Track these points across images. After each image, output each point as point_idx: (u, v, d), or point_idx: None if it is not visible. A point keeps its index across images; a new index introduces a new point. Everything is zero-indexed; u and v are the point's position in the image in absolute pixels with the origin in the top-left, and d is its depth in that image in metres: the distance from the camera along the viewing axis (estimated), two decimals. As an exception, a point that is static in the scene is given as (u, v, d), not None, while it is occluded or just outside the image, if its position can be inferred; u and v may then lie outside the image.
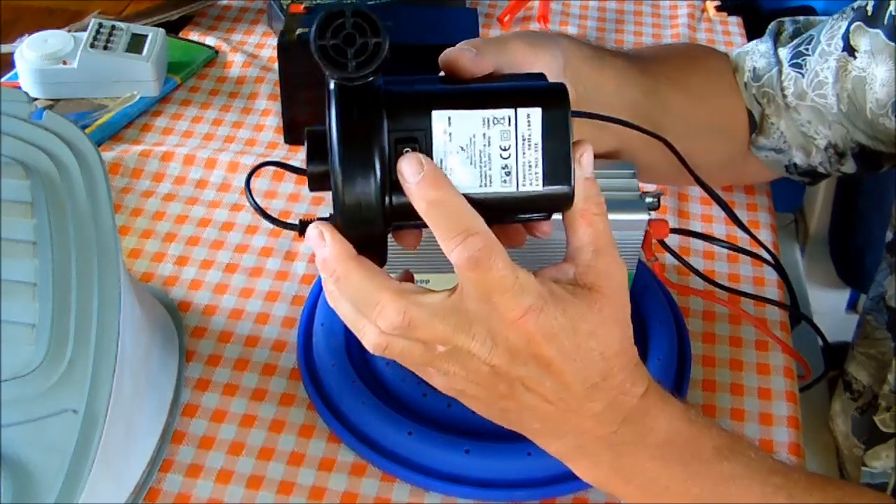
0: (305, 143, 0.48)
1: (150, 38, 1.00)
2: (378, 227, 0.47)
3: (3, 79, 1.01)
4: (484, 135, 0.46)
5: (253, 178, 0.90)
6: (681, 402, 0.53)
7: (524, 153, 0.47)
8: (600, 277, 0.48)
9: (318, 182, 0.48)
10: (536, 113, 0.46)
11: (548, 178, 0.47)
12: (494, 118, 0.46)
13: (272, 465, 0.66)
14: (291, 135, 0.95)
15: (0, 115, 0.62)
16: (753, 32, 1.20)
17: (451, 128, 0.46)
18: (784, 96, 0.72)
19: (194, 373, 0.72)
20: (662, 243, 0.73)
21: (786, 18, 0.78)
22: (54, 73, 0.97)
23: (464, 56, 0.51)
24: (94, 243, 0.60)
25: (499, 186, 0.47)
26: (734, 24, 1.18)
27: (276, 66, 0.96)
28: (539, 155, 0.47)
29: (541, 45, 0.61)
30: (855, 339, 0.82)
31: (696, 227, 0.87)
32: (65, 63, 0.97)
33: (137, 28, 1.01)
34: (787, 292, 0.80)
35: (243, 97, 1.02)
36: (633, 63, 0.69)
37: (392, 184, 0.46)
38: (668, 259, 0.80)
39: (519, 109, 0.46)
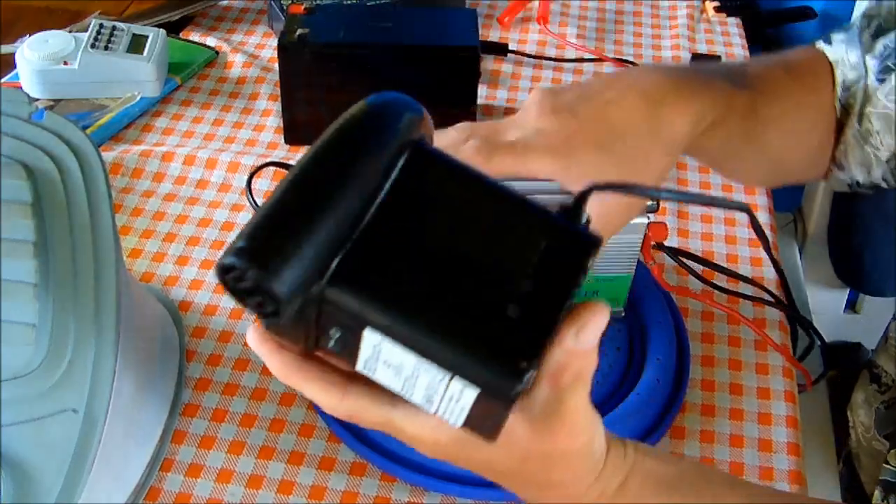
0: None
1: (150, 38, 1.00)
2: (305, 354, 0.43)
3: (4, 79, 1.01)
4: (413, 372, 0.39)
5: (254, 179, 0.90)
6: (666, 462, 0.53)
7: (451, 402, 0.40)
8: (534, 435, 0.45)
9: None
10: (471, 391, 0.38)
11: (468, 425, 0.41)
12: (427, 370, 0.38)
13: (272, 465, 0.66)
14: (292, 135, 0.96)
15: (0, 115, 0.62)
16: (753, 33, 1.20)
17: (380, 347, 0.39)
18: (862, 105, 0.70)
19: (195, 373, 0.72)
20: (661, 246, 0.73)
21: (871, 8, 0.74)
22: (55, 74, 0.97)
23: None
24: (95, 243, 0.60)
25: (418, 401, 0.41)
26: (733, 24, 1.18)
27: (276, 66, 0.96)
28: (464, 415, 0.40)
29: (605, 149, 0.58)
30: (889, 331, 0.81)
31: (696, 227, 0.87)
32: (66, 63, 0.97)
33: (138, 28, 1.01)
34: (786, 292, 0.80)
35: (244, 97, 1.02)
36: (739, 121, 0.66)
37: (315, 344, 0.41)
38: (668, 259, 0.80)
39: (455, 379, 0.38)
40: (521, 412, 0.44)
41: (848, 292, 1.43)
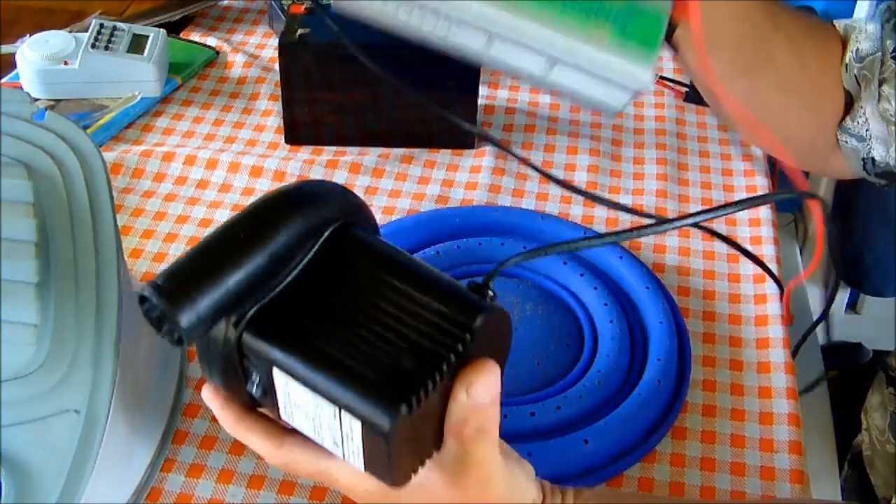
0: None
1: (151, 38, 1.00)
2: (249, 404, 0.49)
3: (5, 79, 1.01)
4: (314, 409, 0.44)
5: (254, 179, 0.90)
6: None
7: (348, 441, 0.44)
8: (447, 487, 0.48)
9: None
10: (356, 424, 0.43)
11: (369, 469, 0.45)
12: (322, 405, 0.43)
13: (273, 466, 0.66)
14: (292, 135, 0.96)
15: (1, 116, 0.62)
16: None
17: (288, 387, 0.45)
18: (880, 84, 0.69)
19: (196, 373, 0.72)
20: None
21: (892, 6, 0.72)
22: (56, 74, 0.97)
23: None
24: (96, 243, 0.60)
25: (330, 447, 0.46)
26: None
27: (276, 66, 0.96)
28: (360, 451, 0.44)
29: None
30: None
31: (696, 233, 0.87)
32: (66, 63, 0.97)
33: (138, 28, 1.01)
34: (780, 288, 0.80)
35: (244, 97, 1.02)
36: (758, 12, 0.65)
37: (248, 393, 0.47)
38: (668, 259, 0.80)
39: (342, 411, 0.43)
40: (435, 465, 0.47)
41: (848, 292, 1.43)
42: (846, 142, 0.72)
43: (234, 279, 0.43)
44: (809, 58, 0.71)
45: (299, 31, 0.90)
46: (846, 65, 0.70)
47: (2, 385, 0.55)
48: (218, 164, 0.92)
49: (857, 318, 1.47)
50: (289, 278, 0.46)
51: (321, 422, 0.45)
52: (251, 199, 0.88)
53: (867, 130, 0.70)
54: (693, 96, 1.01)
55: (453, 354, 0.43)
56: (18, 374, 0.55)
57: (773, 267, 0.82)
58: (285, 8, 1.05)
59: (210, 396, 0.50)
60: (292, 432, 0.50)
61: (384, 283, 0.46)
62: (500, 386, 0.46)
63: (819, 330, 0.81)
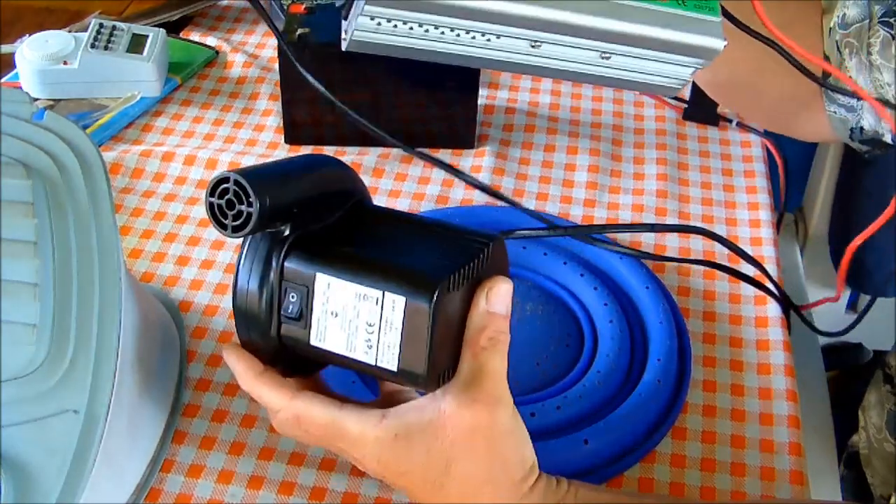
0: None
1: (150, 38, 1.00)
2: (273, 353, 0.53)
3: (4, 79, 1.01)
4: (355, 307, 0.49)
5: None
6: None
7: (385, 333, 0.49)
8: (459, 409, 0.50)
9: None
10: (400, 301, 0.48)
11: (402, 362, 0.49)
12: (366, 295, 0.49)
13: (273, 466, 0.66)
14: (292, 135, 0.96)
15: (0, 115, 0.62)
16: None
17: (329, 291, 0.50)
18: (869, 53, 0.68)
19: (195, 373, 0.72)
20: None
21: None
22: (55, 74, 0.97)
23: None
24: (95, 243, 0.60)
25: (361, 355, 0.50)
26: (734, 24, 1.18)
27: (276, 66, 0.96)
28: (398, 339, 0.49)
29: None
30: None
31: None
32: (66, 63, 0.97)
33: (138, 28, 1.01)
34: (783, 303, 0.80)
35: (244, 97, 1.02)
36: None
37: (279, 322, 0.52)
38: (668, 273, 0.80)
39: (386, 293, 0.49)
40: (448, 390, 0.50)
41: (849, 293, 1.43)
42: (834, 112, 0.71)
43: (294, 190, 0.51)
44: (787, 19, 0.69)
45: (299, 31, 0.90)
46: (830, 28, 0.69)
47: (2, 385, 0.55)
48: (218, 164, 0.92)
49: (855, 318, 1.47)
50: (325, 222, 0.53)
51: (358, 323, 0.49)
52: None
53: (858, 100, 0.69)
54: (692, 114, 1.01)
55: (476, 258, 0.50)
56: (18, 374, 0.55)
57: (772, 268, 0.83)
58: (285, 8, 1.05)
59: (231, 352, 0.54)
60: (304, 389, 0.53)
61: (406, 224, 0.54)
62: (511, 302, 0.52)
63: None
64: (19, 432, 0.55)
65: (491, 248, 0.51)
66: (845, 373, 1.40)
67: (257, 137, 0.97)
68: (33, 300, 0.56)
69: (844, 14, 0.69)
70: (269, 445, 0.67)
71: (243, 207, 0.48)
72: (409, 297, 0.48)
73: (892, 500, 0.68)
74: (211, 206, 0.49)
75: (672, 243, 0.84)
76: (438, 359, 0.49)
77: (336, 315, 0.50)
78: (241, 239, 0.52)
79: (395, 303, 0.48)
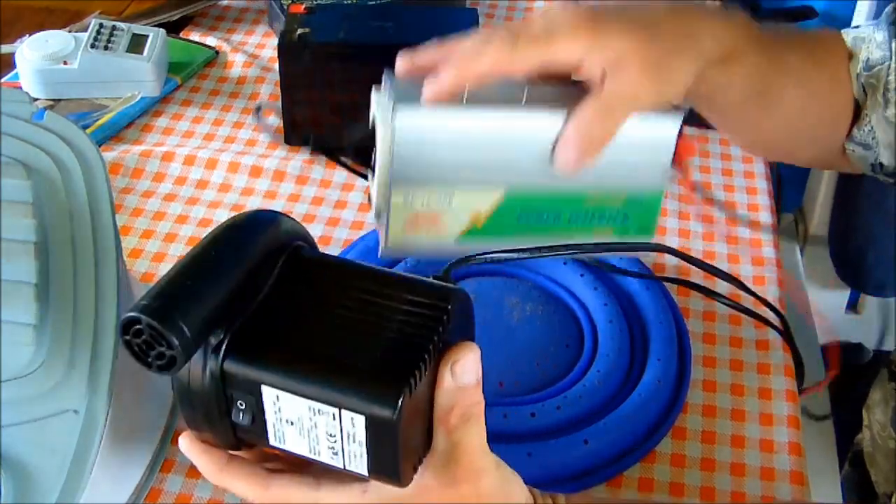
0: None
1: (150, 38, 1.00)
2: (231, 446, 0.49)
3: (4, 79, 1.01)
4: (310, 418, 0.45)
5: (254, 179, 0.90)
6: None
7: (349, 444, 0.45)
8: (441, 487, 0.48)
9: None
10: (360, 418, 0.43)
11: (373, 470, 0.45)
12: (320, 410, 0.44)
13: (273, 466, 0.66)
14: (292, 135, 0.96)
15: (1, 115, 0.62)
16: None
17: (279, 402, 0.45)
18: (886, 90, 0.69)
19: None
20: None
21: None
22: (55, 74, 0.97)
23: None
24: (95, 243, 0.60)
25: (327, 460, 0.46)
26: (734, 24, 1.18)
27: (276, 66, 0.96)
28: (363, 450, 0.44)
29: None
30: None
31: (697, 227, 0.87)
32: (66, 63, 0.97)
33: (138, 28, 1.01)
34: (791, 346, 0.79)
35: (244, 97, 1.02)
36: (760, 59, 0.65)
37: (232, 426, 0.47)
38: (668, 259, 0.80)
39: (343, 410, 0.43)
40: (427, 468, 0.47)
41: (849, 292, 1.43)
42: (853, 150, 0.72)
43: (214, 296, 0.44)
44: (818, 90, 0.71)
45: (299, 31, 0.90)
46: (857, 74, 0.70)
47: (1, 385, 0.55)
48: (217, 164, 0.92)
49: (857, 318, 1.47)
50: (257, 300, 0.46)
51: (317, 433, 0.45)
52: (251, 200, 0.89)
53: (873, 138, 0.71)
54: (691, 119, 1.00)
55: (436, 335, 0.44)
56: (18, 374, 0.55)
57: (772, 269, 0.83)
58: (285, 7, 1.05)
59: (189, 445, 0.50)
60: (277, 472, 0.50)
61: (351, 287, 0.47)
62: (481, 368, 0.47)
63: (819, 330, 0.81)
64: (19, 432, 0.55)
65: (451, 311, 0.45)
66: (846, 372, 1.40)
67: (257, 137, 0.97)
68: (33, 300, 0.56)
69: (868, 58, 0.70)
70: (268, 445, 0.67)
71: (164, 350, 0.42)
72: (368, 412, 0.43)
73: (894, 498, 0.68)
74: (128, 346, 0.43)
75: (672, 243, 0.84)
76: (410, 454, 0.46)
77: (292, 423, 0.45)
78: None
79: (355, 419, 0.43)
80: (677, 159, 0.63)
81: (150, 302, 0.43)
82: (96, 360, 0.57)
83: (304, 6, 0.94)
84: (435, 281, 0.47)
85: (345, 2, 1.04)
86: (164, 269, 0.81)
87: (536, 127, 0.57)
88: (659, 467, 0.67)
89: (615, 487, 0.66)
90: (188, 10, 1.12)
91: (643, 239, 0.65)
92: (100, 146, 0.76)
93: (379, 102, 0.59)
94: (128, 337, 0.43)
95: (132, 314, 0.42)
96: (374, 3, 1.04)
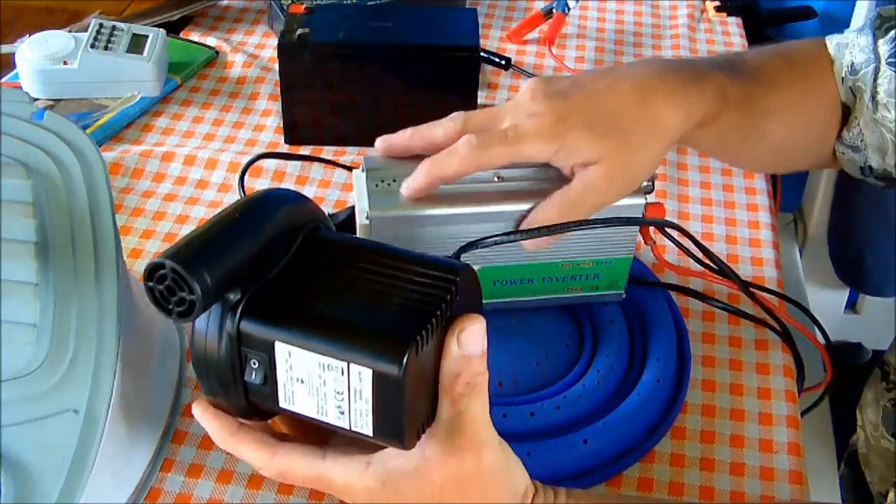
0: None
1: (150, 38, 1.00)
2: (244, 412, 0.51)
3: (4, 79, 1.01)
4: (320, 375, 0.47)
5: (254, 179, 0.90)
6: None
7: (356, 401, 0.46)
8: (444, 456, 0.49)
9: None
10: (367, 372, 0.45)
11: (378, 430, 0.47)
12: (329, 365, 0.46)
13: (272, 465, 0.66)
14: (292, 135, 0.96)
15: (1, 115, 0.62)
16: (753, 33, 1.20)
17: (291, 360, 0.47)
18: (875, 93, 0.69)
19: (195, 373, 0.72)
20: (661, 229, 0.72)
21: (885, 9, 0.73)
22: (55, 74, 0.97)
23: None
24: (95, 243, 0.60)
25: (334, 420, 0.48)
26: (734, 24, 1.18)
27: (276, 66, 0.96)
28: (369, 407, 0.46)
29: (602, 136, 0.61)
30: None
31: (696, 227, 0.87)
32: (66, 63, 0.97)
33: (138, 28, 1.01)
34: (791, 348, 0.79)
35: (244, 97, 1.02)
36: (737, 114, 0.67)
37: (244, 387, 0.49)
38: (668, 259, 0.80)
39: (351, 364, 0.45)
40: (430, 438, 0.49)
41: (848, 292, 1.43)
42: (843, 153, 0.73)
43: (235, 254, 0.47)
44: (804, 117, 0.72)
45: (299, 31, 0.90)
46: (842, 79, 0.71)
47: (2, 385, 0.55)
48: (217, 164, 0.92)
49: (857, 318, 1.47)
50: (276, 269, 0.49)
51: (326, 391, 0.47)
52: (251, 199, 0.89)
53: (861, 141, 0.71)
54: None
55: (444, 303, 0.47)
56: (18, 374, 0.55)
57: (773, 270, 0.83)
58: (285, 8, 1.05)
59: (202, 411, 0.52)
60: (284, 441, 0.52)
61: (365, 261, 0.49)
62: (486, 340, 0.49)
63: (819, 330, 0.81)
64: (19, 432, 0.55)
65: (459, 284, 0.48)
66: (845, 373, 1.40)
67: (257, 137, 0.97)
68: (33, 300, 0.56)
69: (852, 62, 0.71)
70: (268, 445, 0.67)
71: (185, 295, 0.45)
72: (375, 367, 0.45)
73: (891, 496, 0.68)
74: (151, 292, 0.46)
75: (672, 243, 0.84)
76: (415, 417, 0.47)
77: (302, 381, 0.47)
78: None
79: (362, 374, 0.45)
80: (645, 230, 0.70)
81: (175, 250, 0.45)
82: (96, 360, 0.57)
83: (304, 6, 0.94)
84: (445, 258, 0.50)
85: (345, 2, 1.05)
86: (164, 268, 0.81)
87: (504, 214, 0.64)
88: (658, 467, 0.67)
89: (615, 487, 0.66)
90: (188, 10, 1.12)
91: (613, 294, 0.73)
92: (100, 146, 0.76)
93: (357, 184, 0.65)
94: (151, 283, 0.45)
95: (157, 260, 0.45)
96: (373, 3, 1.04)
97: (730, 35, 1.16)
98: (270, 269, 0.49)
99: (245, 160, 0.91)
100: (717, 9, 1.20)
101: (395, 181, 0.64)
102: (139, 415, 0.64)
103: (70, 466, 0.55)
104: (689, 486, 0.66)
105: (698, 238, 0.85)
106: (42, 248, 0.58)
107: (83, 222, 0.60)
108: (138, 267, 0.81)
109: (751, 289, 0.74)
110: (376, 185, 0.64)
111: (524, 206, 0.64)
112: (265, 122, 0.99)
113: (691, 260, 0.73)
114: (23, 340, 0.56)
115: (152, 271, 0.45)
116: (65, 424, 0.56)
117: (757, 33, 1.26)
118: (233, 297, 0.47)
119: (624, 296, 0.74)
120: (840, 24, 1.09)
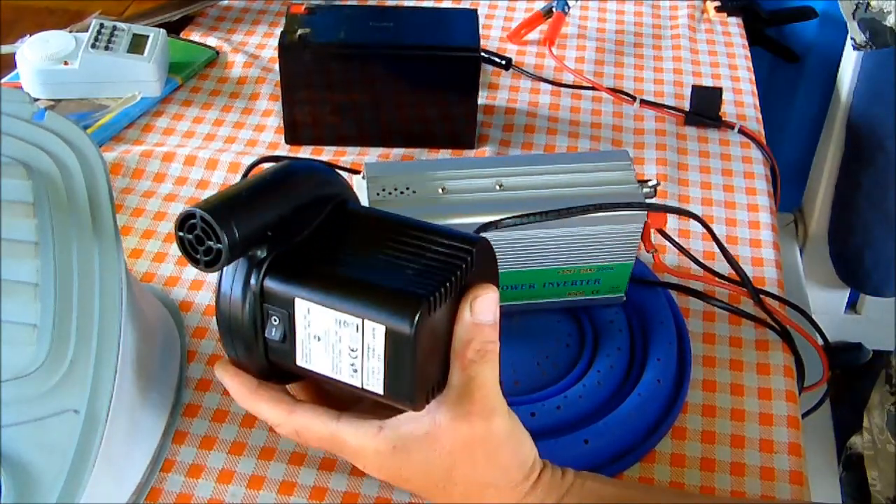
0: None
1: (151, 38, 1.00)
2: (264, 370, 0.53)
3: (5, 79, 1.01)
4: (336, 332, 0.49)
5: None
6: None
7: (369, 359, 0.48)
8: (454, 421, 0.50)
9: None
10: (380, 329, 0.47)
11: (388, 388, 0.48)
12: (345, 321, 0.48)
13: (273, 465, 0.66)
14: (292, 135, 0.96)
15: (1, 116, 0.62)
16: (753, 33, 1.20)
17: (310, 316, 0.49)
18: None
19: (195, 373, 0.72)
20: (662, 232, 0.73)
21: None
22: (56, 74, 0.97)
23: None
24: (96, 243, 0.60)
25: (347, 378, 0.50)
26: (734, 24, 1.18)
27: (276, 66, 0.96)
28: (381, 365, 0.48)
29: None
30: None
31: (696, 226, 0.87)
32: (66, 63, 0.97)
33: (139, 28, 1.01)
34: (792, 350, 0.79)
35: (244, 97, 1.02)
36: None
37: (265, 343, 0.51)
38: (669, 259, 0.80)
39: (366, 321, 0.47)
40: (441, 403, 0.50)
41: (848, 292, 1.43)
42: None
43: (265, 213, 0.49)
44: None
45: (299, 32, 0.90)
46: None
47: (2, 385, 0.55)
48: (218, 164, 0.92)
49: (857, 318, 1.47)
50: (302, 235, 0.51)
51: (341, 347, 0.49)
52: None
53: None
54: (692, 119, 1.01)
55: (459, 270, 0.48)
56: (18, 374, 0.55)
57: (773, 271, 0.83)
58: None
59: (223, 369, 0.53)
60: (301, 401, 0.53)
61: (388, 229, 0.52)
62: (499, 309, 0.50)
63: (817, 332, 0.81)
64: (19, 432, 0.55)
65: (475, 254, 0.49)
66: (845, 372, 1.40)
67: (258, 137, 0.97)
68: (33, 300, 0.56)
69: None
70: (269, 445, 0.67)
71: (212, 244, 0.47)
72: (388, 324, 0.47)
73: None
74: (181, 241, 0.48)
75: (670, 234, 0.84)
76: (425, 378, 0.49)
77: (319, 339, 0.49)
78: None
79: (376, 330, 0.47)
80: (646, 232, 0.70)
81: (207, 201, 0.48)
82: (97, 360, 0.57)
83: (304, 6, 0.94)
84: (463, 231, 0.51)
85: (345, 2, 1.05)
86: (165, 269, 0.81)
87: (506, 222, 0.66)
88: (659, 467, 0.67)
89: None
90: (189, 11, 1.12)
91: (614, 297, 0.74)
92: (100, 146, 0.77)
93: (359, 192, 0.67)
94: (181, 233, 0.47)
95: (189, 209, 0.47)
96: (373, 2, 1.04)
97: (730, 35, 1.16)
98: (297, 234, 0.51)
99: (245, 160, 0.92)
100: (718, 9, 1.20)
101: (396, 189, 0.66)
102: (139, 415, 0.64)
103: (70, 466, 0.55)
104: (689, 486, 0.66)
105: (700, 238, 0.86)
106: (43, 249, 0.58)
107: (84, 222, 0.60)
108: (139, 267, 0.81)
109: (760, 296, 0.74)
110: (377, 194, 0.66)
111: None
112: (266, 122, 0.99)
113: (692, 264, 0.73)
114: (23, 340, 0.56)
115: (184, 220, 0.47)
116: (65, 424, 0.56)
117: (757, 33, 1.26)
118: (259, 254, 0.49)
119: (624, 299, 0.74)
120: (840, 24, 1.08)
